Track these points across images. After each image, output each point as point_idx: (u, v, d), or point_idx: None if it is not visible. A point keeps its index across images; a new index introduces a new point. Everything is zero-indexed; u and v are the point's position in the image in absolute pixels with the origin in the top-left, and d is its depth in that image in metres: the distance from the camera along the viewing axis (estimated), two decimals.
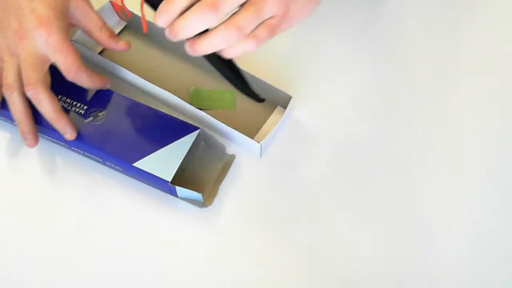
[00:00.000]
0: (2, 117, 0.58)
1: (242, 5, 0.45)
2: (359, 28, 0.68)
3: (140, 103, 0.56)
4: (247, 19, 0.45)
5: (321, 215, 0.55)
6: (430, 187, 0.57)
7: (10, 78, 0.54)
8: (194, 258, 0.53)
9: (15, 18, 0.53)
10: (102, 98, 0.56)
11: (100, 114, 0.55)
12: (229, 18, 0.45)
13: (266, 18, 0.47)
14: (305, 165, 0.58)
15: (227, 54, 0.47)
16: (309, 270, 0.53)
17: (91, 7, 0.57)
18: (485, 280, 0.53)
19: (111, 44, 0.57)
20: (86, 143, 0.54)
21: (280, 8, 0.47)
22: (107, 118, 0.55)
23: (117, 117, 0.55)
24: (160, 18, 0.45)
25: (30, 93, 0.53)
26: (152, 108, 0.56)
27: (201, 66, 0.62)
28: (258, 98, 0.53)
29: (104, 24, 0.57)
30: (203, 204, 0.53)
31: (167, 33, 0.46)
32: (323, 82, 0.63)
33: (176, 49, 0.62)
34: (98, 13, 0.57)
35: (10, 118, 0.57)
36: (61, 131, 0.54)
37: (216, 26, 0.45)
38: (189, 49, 0.47)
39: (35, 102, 0.53)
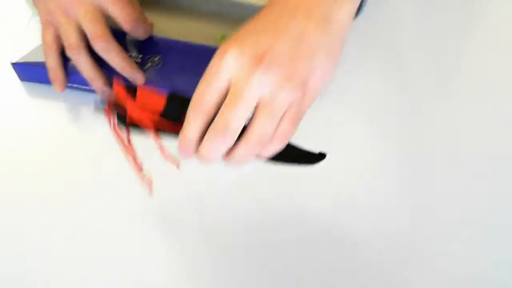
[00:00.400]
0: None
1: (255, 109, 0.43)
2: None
3: (188, 42, 0.61)
4: (264, 126, 0.43)
5: None
6: (432, 189, 0.59)
7: (72, 38, 0.55)
8: None
9: None
10: (151, 44, 0.60)
11: (156, 59, 0.59)
12: (246, 131, 0.44)
13: (283, 112, 0.43)
14: None
15: (259, 159, 0.47)
16: None
17: None
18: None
19: None
20: (153, 87, 0.58)
21: (295, 94, 0.43)
22: (164, 61, 0.59)
23: (173, 58, 0.59)
24: (183, 155, 0.46)
25: (99, 45, 0.55)
26: (201, 45, 0.60)
27: (224, 14, 0.67)
28: (316, 157, 0.52)
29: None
30: None
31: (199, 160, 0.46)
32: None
33: (195, 5, 0.67)
34: None
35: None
36: (132, 78, 0.57)
37: (238, 143, 0.44)
38: (231, 167, 0.47)
39: (104, 53, 0.55)
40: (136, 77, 0.57)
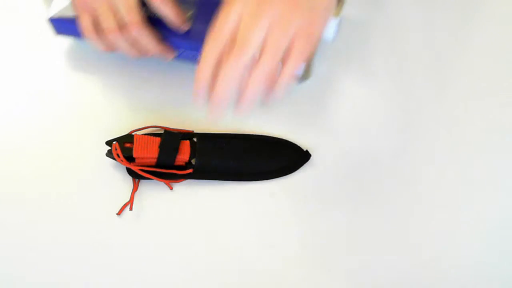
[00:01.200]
0: None
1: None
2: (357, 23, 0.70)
3: None
4: (277, 37, 0.48)
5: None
6: (438, 190, 0.62)
7: (110, 22, 0.58)
8: None
9: None
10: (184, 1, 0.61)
11: (188, 15, 0.60)
12: (262, 50, 0.48)
13: (293, 30, 0.48)
14: None
15: (281, 85, 0.50)
16: None
17: None
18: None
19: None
20: (185, 42, 0.60)
21: (302, 18, 0.49)
22: (195, 18, 0.60)
23: (205, 13, 0.60)
24: (199, 87, 0.50)
25: (134, 33, 0.58)
26: None
27: None
28: (303, 154, 0.62)
29: None
30: (304, 77, 0.60)
31: (211, 103, 0.50)
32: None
33: None
34: None
35: None
36: (162, 55, 0.61)
37: (255, 67, 0.49)
38: (242, 111, 0.50)
39: (139, 39, 0.59)
40: (167, 55, 0.62)
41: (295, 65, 0.49)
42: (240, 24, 0.49)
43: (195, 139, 0.61)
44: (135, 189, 0.60)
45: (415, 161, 0.63)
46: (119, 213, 0.59)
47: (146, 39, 0.59)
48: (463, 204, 0.61)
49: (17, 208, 0.59)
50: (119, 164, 0.61)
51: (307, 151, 0.62)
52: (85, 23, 0.60)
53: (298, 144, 0.63)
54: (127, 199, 0.60)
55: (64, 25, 0.63)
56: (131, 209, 0.59)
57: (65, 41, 0.68)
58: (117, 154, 0.58)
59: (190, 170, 0.60)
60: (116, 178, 0.61)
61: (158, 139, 0.59)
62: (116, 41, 0.59)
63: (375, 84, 0.67)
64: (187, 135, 0.61)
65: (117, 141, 0.59)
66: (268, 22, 0.48)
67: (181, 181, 0.61)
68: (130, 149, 0.59)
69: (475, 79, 0.68)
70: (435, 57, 0.69)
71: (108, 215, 0.59)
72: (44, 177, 0.61)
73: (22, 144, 0.62)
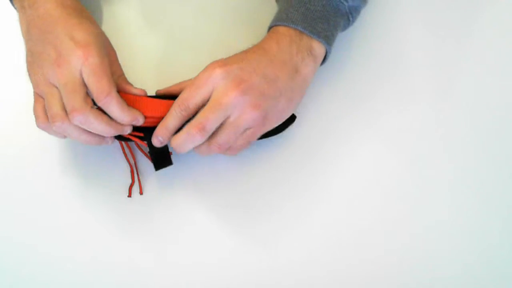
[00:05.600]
0: None
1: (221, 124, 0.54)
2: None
3: None
4: (226, 138, 0.54)
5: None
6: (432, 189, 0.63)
7: (55, 108, 0.53)
8: None
9: (53, 48, 0.53)
10: None
11: None
12: (211, 136, 0.54)
13: (242, 131, 0.55)
14: None
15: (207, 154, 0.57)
16: None
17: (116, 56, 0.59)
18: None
19: (126, 88, 0.58)
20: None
21: (256, 121, 0.54)
22: None
23: None
24: (156, 139, 0.55)
25: (76, 119, 0.52)
26: None
27: None
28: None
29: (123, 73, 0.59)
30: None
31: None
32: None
33: None
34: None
35: None
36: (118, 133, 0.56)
37: (203, 144, 0.55)
38: (177, 151, 0.56)
39: (84, 126, 0.53)
40: (124, 131, 0.56)
41: (243, 147, 0.56)
42: (208, 103, 0.53)
43: None
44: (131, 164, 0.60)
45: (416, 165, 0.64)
46: (129, 195, 0.61)
47: (94, 123, 0.53)
48: (458, 192, 0.63)
49: (17, 207, 0.61)
50: (113, 154, 0.61)
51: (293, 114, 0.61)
52: (37, 111, 0.55)
53: None
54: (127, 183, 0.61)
55: None
56: (140, 192, 0.61)
57: None
58: None
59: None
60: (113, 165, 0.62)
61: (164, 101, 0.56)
62: (63, 130, 0.54)
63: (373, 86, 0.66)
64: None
65: None
66: (232, 108, 0.53)
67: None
68: None
69: (474, 81, 0.67)
70: (435, 56, 0.68)
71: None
72: (44, 173, 0.62)
73: (19, 137, 0.63)
